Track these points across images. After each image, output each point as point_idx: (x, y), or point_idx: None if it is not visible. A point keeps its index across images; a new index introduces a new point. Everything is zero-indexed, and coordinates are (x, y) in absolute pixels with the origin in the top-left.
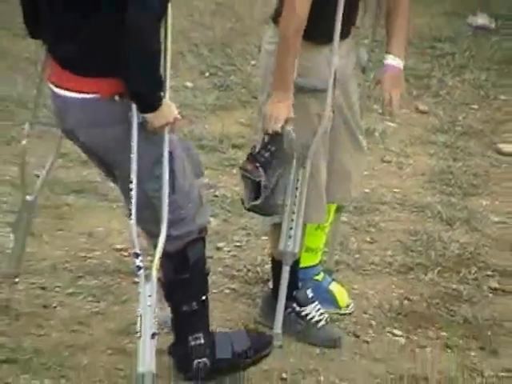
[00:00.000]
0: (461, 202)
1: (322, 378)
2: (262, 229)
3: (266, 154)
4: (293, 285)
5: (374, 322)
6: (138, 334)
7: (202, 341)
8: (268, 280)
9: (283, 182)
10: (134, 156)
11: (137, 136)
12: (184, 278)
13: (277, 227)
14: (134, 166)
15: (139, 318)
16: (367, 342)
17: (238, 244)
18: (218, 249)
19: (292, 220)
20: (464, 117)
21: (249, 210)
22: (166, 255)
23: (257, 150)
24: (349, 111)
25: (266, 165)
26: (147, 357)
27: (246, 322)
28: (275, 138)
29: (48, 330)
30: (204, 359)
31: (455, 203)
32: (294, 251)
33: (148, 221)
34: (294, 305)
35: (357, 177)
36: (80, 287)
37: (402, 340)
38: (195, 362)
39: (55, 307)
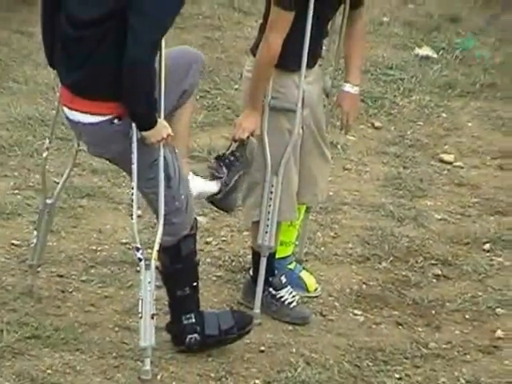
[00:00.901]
0: (409, 203)
1: (294, 350)
2: (246, 224)
3: (232, 158)
4: (269, 272)
5: (337, 304)
6: (140, 315)
7: (193, 320)
8: (249, 268)
9: (241, 184)
10: (134, 166)
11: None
12: (178, 267)
13: (256, 224)
14: (134, 175)
15: (140, 301)
16: (332, 320)
17: (224, 239)
18: (207, 243)
19: (268, 219)
20: (412, 131)
21: (209, 202)
22: (163, 249)
23: (225, 153)
24: (316, 128)
25: (230, 166)
26: (148, 333)
27: (231, 304)
28: (241, 145)
29: (65, 311)
30: (195, 335)
31: (405, 203)
32: (270, 244)
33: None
34: (270, 289)
35: (322, 182)
36: (92, 275)
37: (361, 318)
38: (188, 337)
39: (71, 292)
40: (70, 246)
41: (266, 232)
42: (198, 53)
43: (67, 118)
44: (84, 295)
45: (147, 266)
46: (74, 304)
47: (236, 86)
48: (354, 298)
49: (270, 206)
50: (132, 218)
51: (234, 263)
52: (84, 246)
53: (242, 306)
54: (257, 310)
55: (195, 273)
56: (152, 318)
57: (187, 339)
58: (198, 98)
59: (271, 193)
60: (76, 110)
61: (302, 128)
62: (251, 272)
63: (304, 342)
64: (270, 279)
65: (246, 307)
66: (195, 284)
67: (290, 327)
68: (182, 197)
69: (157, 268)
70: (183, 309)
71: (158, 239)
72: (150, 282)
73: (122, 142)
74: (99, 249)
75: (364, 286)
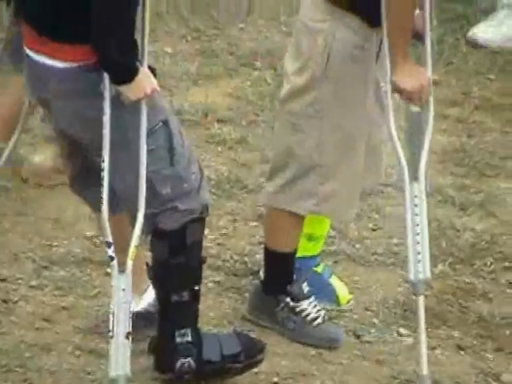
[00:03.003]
0: (476, 185)
1: (317, 383)
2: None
3: None
4: (287, 277)
5: (376, 320)
6: (111, 334)
7: (190, 338)
8: (257, 272)
9: None
10: (106, 131)
11: (110, 110)
12: (179, 262)
13: (272, 211)
14: (106, 144)
15: (111, 315)
16: (369, 343)
17: (223, 231)
18: None
19: (418, 242)
20: (480, 87)
21: None
22: (161, 234)
23: None
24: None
25: None
26: (120, 359)
27: (232, 320)
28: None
29: (8, 328)
30: (189, 359)
31: (469, 185)
32: (427, 276)
33: (148, 202)
34: (288, 299)
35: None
36: (45, 279)
37: (409, 340)
38: (179, 361)
39: (16, 302)
40: (16, 241)
41: (419, 261)
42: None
43: (31, 64)
44: (34, 306)
45: (121, 268)
46: (21, 318)
47: (241, 25)
48: (399, 313)
49: (417, 225)
50: (101, 203)
51: (237, 264)
52: (35, 241)
53: (247, 323)
54: (424, 372)
55: (198, 273)
56: (127, 337)
57: (178, 364)
58: (189, 39)
59: (415, 206)
60: (45, 55)
61: None
62: (262, 275)
63: (332, 373)
64: (288, 287)
65: (252, 323)
66: (196, 289)
67: (313, 351)
68: (193, 177)
69: (146, 264)
70: (178, 322)
71: (136, 231)
72: (124, 290)
73: (98, 99)
74: (55, 244)
75: (413, 296)
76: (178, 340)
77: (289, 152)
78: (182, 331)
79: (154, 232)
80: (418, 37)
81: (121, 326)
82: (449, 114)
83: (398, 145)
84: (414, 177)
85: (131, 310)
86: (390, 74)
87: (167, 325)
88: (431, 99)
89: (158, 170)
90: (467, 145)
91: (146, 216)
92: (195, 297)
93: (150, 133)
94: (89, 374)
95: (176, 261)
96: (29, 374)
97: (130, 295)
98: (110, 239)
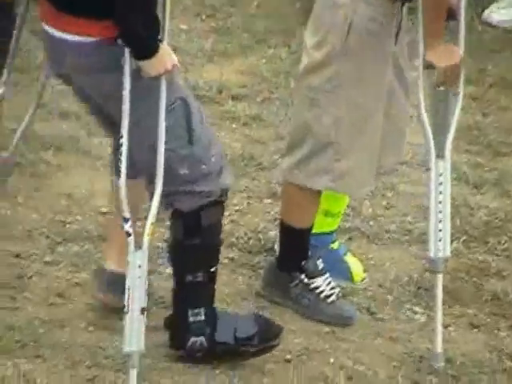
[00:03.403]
0: (490, 163)
1: (331, 360)
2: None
3: None
4: (302, 254)
5: (390, 298)
6: (125, 309)
7: (203, 317)
8: (271, 248)
9: None
10: (125, 107)
11: (129, 85)
12: (193, 243)
13: (288, 186)
14: (125, 119)
15: (127, 291)
16: (383, 320)
17: (237, 208)
18: None
19: (440, 221)
20: (495, 65)
21: None
22: (177, 214)
23: None
24: (405, 62)
25: None
26: (135, 335)
27: (247, 296)
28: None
29: (22, 304)
30: (201, 338)
31: (483, 164)
32: (447, 255)
33: (165, 182)
34: (302, 276)
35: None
36: (59, 255)
37: (423, 318)
38: (191, 339)
39: (31, 277)
40: (30, 216)
41: (440, 240)
42: None
43: (49, 39)
44: (48, 282)
45: (138, 244)
46: (35, 294)
47: (256, 3)
48: (413, 291)
49: (439, 202)
50: (119, 176)
51: (251, 241)
52: (48, 217)
53: (261, 299)
54: (438, 349)
55: (215, 255)
56: (142, 313)
57: (190, 342)
58: (204, 17)
59: (440, 184)
60: (64, 31)
61: None
62: (277, 251)
63: (345, 350)
64: (303, 263)
65: (267, 300)
66: (213, 270)
67: (327, 329)
68: (213, 159)
69: (165, 241)
70: (192, 301)
71: (153, 208)
72: (140, 266)
73: (117, 74)
74: (69, 220)
75: (427, 274)
76: (191, 319)
77: (306, 128)
78: (196, 310)
79: (172, 211)
80: (450, 14)
81: (136, 301)
82: (464, 92)
83: (426, 123)
84: (440, 155)
85: (146, 285)
86: (424, 52)
87: (181, 303)
88: (461, 78)
89: (175, 149)
90: (482, 123)
91: (162, 193)
92: (210, 278)
93: (167, 110)
94: (102, 349)
95: (191, 242)
96: (42, 350)
97: (146, 271)
98: (128, 215)
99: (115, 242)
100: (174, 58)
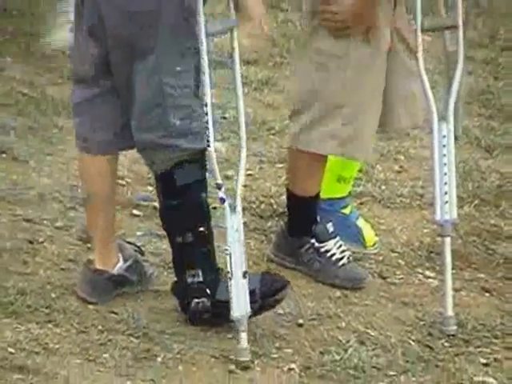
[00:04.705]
0: (502, 127)
1: (343, 324)
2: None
3: None
4: (311, 219)
5: (402, 262)
6: (230, 275)
7: (201, 278)
8: (283, 213)
9: None
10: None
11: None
12: (173, 204)
13: (294, 153)
14: (207, 86)
15: (228, 256)
16: (394, 284)
17: (249, 172)
18: (227, 177)
19: (445, 183)
20: (506, 30)
21: None
22: (156, 176)
23: None
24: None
25: None
26: (242, 300)
27: (258, 261)
28: None
29: (34, 268)
30: (203, 299)
31: (495, 128)
32: (454, 219)
33: (152, 127)
34: (313, 240)
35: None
36: (71, 220)
37: (434, 282)
38: (194, 301)
39: (42, 242)
40: (42, 181)
41: (446, 202)
42: None
43: None
44: (60, 247)
45: (232, 209)
46: (46, 259)
47: None
48: (424, 255)
49: (445, 165)
50: (208, 145)
51: (262, 206)
52: (60, 181)
53: (272, 264)
54: (449, 313)
55: (200, 215)
56: (244, 277)
57: (193, 304)
58: None
59: (444, 146)
60: None
61: None
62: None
63: (357, 314)
64: (313, 227)
65: (277, 265)
66: (202, 230)
67: (338, 293)
68: (204, 118)
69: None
70: (187, 262)
71: (242, 170)
72: (237, 230)
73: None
74: (81, 184)
75: (439, 238)
76: (189, 280)
77: (312, 92)
78: (192, 272)
79: (154, 174)
80: None
81: (238, 265)
82: (475, 56)
83: (426, 84)
84: (443, 117)
85: (244, 249)
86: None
87: (177, 266)
88: (461, 39)
89: (178, 96)
90: (494, 87)
91: (144, 142)
92: (202, 238)
93: (186, 52)
94: (115, 314)
95: (170, 203)
96: (54, 315)
97: (243, 234)
98: (221, 181)
99: (97, 237)
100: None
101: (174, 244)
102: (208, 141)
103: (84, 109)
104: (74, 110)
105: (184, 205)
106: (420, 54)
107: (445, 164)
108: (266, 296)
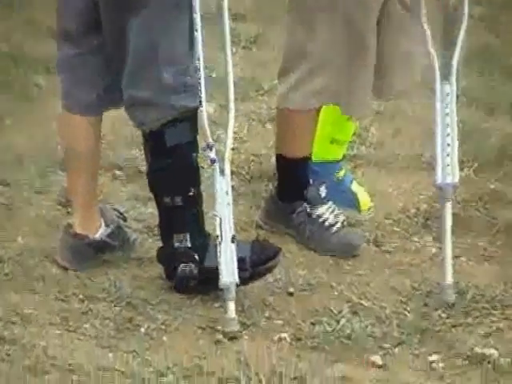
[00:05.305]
0: (503, 86)
1: (335, 294)
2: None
3: None
4: (302, 183)
5: (398, 228)
6: (219, 239)
7: (189, 244)
8: (273, 176)
9: None
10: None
11: None
12: (162, 165)
13: (284, 113)
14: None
15: (218, 220)
16: (390, 252)
17: (237, 134)
18: (215, 140)
19: (448, 144)
20: None
21: None
22: (144, 135)
23: None
24: None
25: None
26: (230, 265)
27: (246, 227)
28: None
29: (11, 234)
30: (190, 265)
31: (496, 86)
32: (455, 182)
33: (144, 83)
34: (304, 205)
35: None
36: (50, 183)
37: (433, 249)
38: (180, 267)
39: (20, 207)
40: (19, 141)
41: (448, 165)
42: None
43: None
44: (38, 212)
45: (221, 171)
46: (24, 224)
47: None
48: (422, 221)
49: (447, 125)
50: (201, 105)
51: (251, 168)
52: (39, 141)
53: (262, 230)
54: (448, 281)
55: (191, 177)
56: (233, 241)
57: (179, 269)
58: None
59: (446, 106)
60: None
61: None
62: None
63: (350, 283)
64: (304, 191)
65: (266, 231)
66: (192, 193)
67: (331, 261)
68: (197, 74)
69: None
70: (174, 226)
71: (230, 128)
72: (227, 193)
73: None
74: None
75: (437, 204)
76: (177, 245)
77: (300, 49)
78: (180, 236)
79: (143, 134)
80: None
81: (227, 229)
82: (474, 14)
83: (429, 42)
84: (445, 76)
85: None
86: None
87: (164, 230)
88: None
89: (172, 52)
90: (494, 45)
91: (138, 98)
92: (191, 201)
93: (175, 9)
94: (96, 281)
95: (160, 164)
96: (32, 283)
97: (231, 198)
98: (212, 141)
99: (78, 201)
100: None
101: (161, 207)
102: (201, 99)
103: (67, 67)
104: (57, 66)
105: (174, 166)
106: (422, 6)
107: (447, 125)
108: (256, 264)
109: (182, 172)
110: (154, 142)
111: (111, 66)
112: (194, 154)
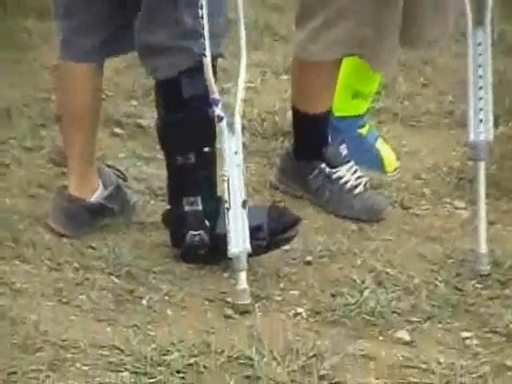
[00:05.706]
0: None
1: (358, 262)
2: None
3: None
4: (321, 140)
5: (427, 190)
6: (227, 204)
7: (200, 207)
8: (289, 133)
9: None
10: None
11: None
12: (178, 118)
13: (301, 65)
14: None
15: (226, 182)
16: (419, 216)
17: (250, 85)
18: (224, 91)
19: (480, 98)
20: None
21: None
22: (157, 84)
23: None
24: None
25: None
26: (240, 233)
27: (259, 188)
28: None
29: (1, 194)
30: (201, 232)
31: None
32: (489, 138)
33: (161, 26)
34: (323, 165)
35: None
36: (41, 140)
37: (465, 214)
38: (189, 233)
39: (8, 165)
40: (8, 93)
41: (481, 121)
42: None
43: None
44: (28, 171)
45: (230, 128)
46: (13, 185)
47: None
48: (454, 182)
49: (480, 77)
50: (205, 55)
51: (265, 124)
52: (29, 93)
53: (275, 191)
54: (482, 249)
55: (206, 132)
56: (243, 207)
57: (188, 237)
58: None
59: (479, 55)
60: None
61: None
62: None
63: (374, 250)
64: (323, 150)
65: (283, 193)
66: (206, 151)
67: (354, 226)
68: (220, 20)
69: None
70: (186, 187)
71: (242, 78)
72: (236, 153)
73: None
74: (54, 98)
75: (470, 162)
76: (187, 208)
77: None
78: (191, 199)
79: (155, 85)
80: None
81: (237, 193)
82: None
83: None
84: (479, 21)
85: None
86: None
87: (175, 191)
88: None
89: None
90: None
91: (154, 42)
92: (205, 160)
93: None
94: (92, 248)
95: (174, 117)
96: (22, 250)
97: (242, 158)
98: (218, 96)
99: (73, 160)
100: None
101: (171, 165)
102: (205, 48)
103: (71, 10)
104: (54, 7)
105: (189, 119)
106: None
107: (480, 76)
108: (274, 233)
109: (198, 126)
110: (168, 92)
111: (122, 6)
112: (211, 108)
